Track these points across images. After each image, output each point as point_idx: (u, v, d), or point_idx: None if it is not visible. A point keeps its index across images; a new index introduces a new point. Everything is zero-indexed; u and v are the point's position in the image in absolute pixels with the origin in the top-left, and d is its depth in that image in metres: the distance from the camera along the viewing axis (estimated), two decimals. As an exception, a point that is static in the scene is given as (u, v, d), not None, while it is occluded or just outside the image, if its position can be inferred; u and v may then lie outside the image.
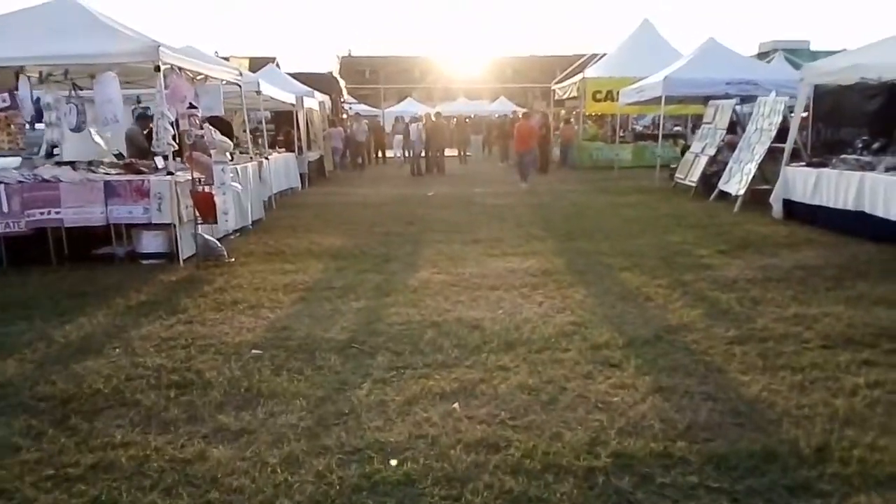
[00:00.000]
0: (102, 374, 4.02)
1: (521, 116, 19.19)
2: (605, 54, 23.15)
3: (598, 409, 3.42)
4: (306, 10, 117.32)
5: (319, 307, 5.38)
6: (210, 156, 6.58)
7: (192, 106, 6.63)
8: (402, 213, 10.97)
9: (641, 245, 7.79)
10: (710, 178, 11.95)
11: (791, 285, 5.79)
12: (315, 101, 17.57)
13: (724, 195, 11.38)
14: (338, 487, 2.75)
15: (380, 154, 25.94)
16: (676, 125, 25.67)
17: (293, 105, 14.45)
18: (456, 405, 3.49)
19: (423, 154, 19.34)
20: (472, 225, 9.60)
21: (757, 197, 10.58)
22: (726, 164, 11.75)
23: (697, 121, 21.38)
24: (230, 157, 7.11)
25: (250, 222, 9.36)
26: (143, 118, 10.62)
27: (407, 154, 21.17)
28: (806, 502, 2.60)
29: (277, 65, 35.63)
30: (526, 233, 8.82)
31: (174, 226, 6.98)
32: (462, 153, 24.56)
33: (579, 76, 21.22)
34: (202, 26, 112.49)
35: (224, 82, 8.74)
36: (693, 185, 12.56)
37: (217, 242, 6.89)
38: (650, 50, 20.74)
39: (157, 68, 6.74)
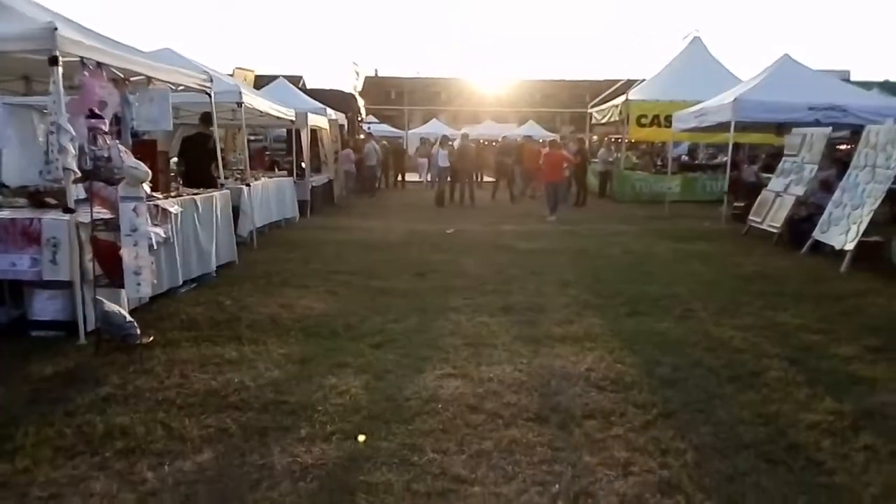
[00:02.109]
0: None
1: (548, 144, 17.03)
2: (643, 80, 20.83)
3: None
4: (336, 32, 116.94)
5: (242, 461, 3.13)
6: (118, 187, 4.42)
7: (94, 115, 4.46)
8: (413, 258, 8.72)
9: (746, 329, 5.43)
10: (801, 225, 9.56)
11: None
12: (324, 119, 15.51)
13: (817, 245, 9.02)
14: None
15: (399, 178, 23.82)
16: (714, 155, 23.28)
17: (292, 122, 12.38)
18: None
19: (448, 180, 17.04)
20: (502, 281, 7.33)
21: (864, 251, 8.21)
22: (820, 206, 9.39)
23: (754, 150, 19.04)
24: (148, 190, 4.92)
25: (213, 269, 7.19)
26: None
27: (431, 179, 18.84)
28: None
29: (303, 83, 33.87)
30: (574, 298, 6.52)
31: (75, 284, 4.84)
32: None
33: (621, 98, 18.95)
34: (240, 46, 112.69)
35: (179, 88, 6.63)
36: (774, 230, 10.15)
37: (124, 315, 4.67)
38: (702, 71, 18.59)
39: (54, 60, 4.64)
